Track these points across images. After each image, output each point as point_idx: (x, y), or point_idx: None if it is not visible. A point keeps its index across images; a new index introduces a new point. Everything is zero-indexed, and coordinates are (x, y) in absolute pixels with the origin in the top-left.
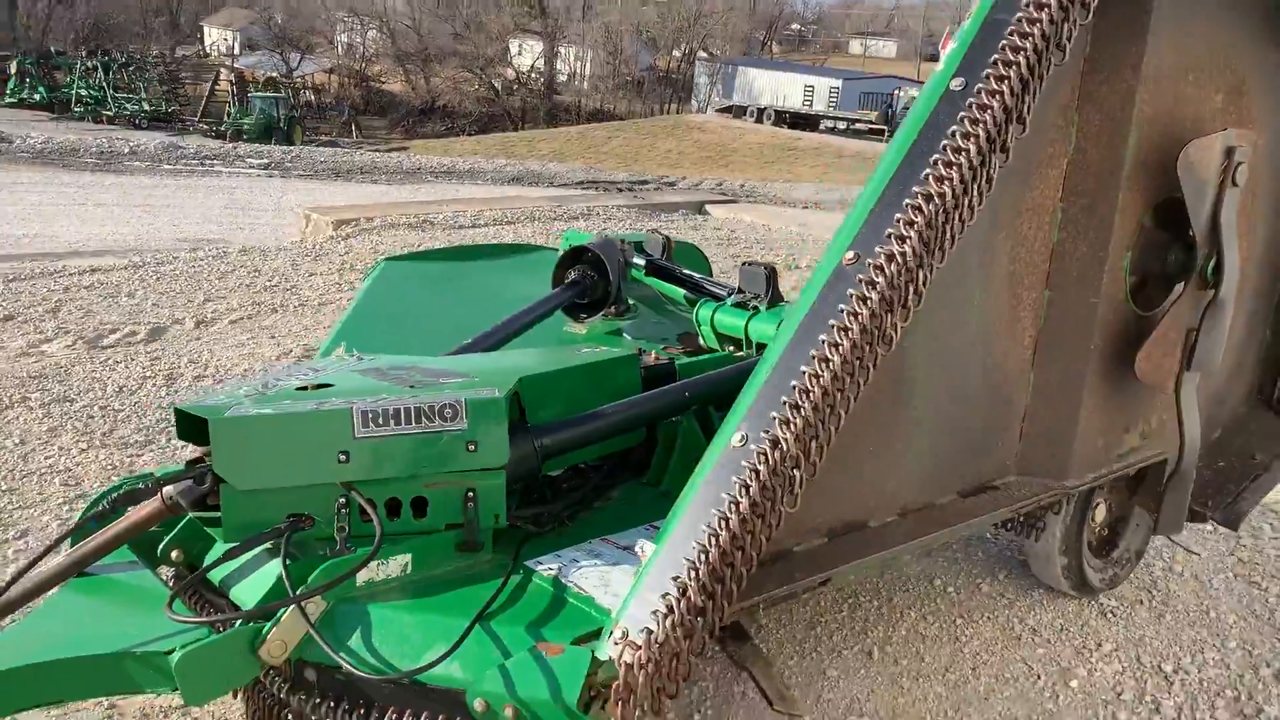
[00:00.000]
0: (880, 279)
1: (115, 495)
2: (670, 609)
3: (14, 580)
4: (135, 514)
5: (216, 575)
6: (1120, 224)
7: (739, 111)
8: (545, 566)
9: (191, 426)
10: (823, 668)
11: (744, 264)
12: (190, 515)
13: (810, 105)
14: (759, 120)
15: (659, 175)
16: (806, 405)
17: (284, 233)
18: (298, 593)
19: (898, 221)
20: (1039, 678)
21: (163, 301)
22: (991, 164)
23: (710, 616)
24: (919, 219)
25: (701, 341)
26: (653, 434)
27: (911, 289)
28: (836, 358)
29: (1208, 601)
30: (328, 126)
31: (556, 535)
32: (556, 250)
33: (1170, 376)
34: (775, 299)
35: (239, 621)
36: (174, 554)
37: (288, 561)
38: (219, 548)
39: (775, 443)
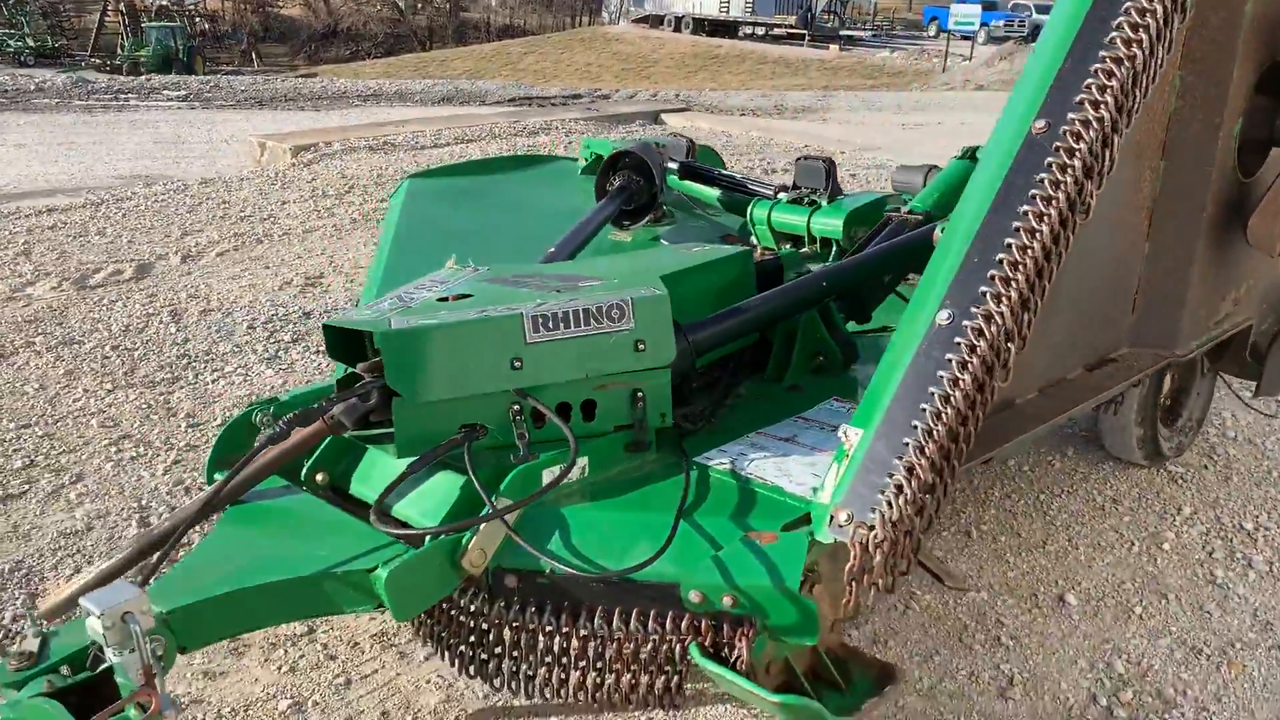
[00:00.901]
0: (1080, 145)
1: (286, 417)
2: (901, 488)
3: (194, 513)
4: (295, 438)
5: (366, 492)
6: (1234, 90)
7: (656, 21)
8: (717, 461)
9: (341, 344)
10: (928, 548)
11: (800, 159)
12: (348, 435)
13: (727, 11)
14: (677, 29)
15: (593, 89)
16: (1019, 277)
17: (222, 164)
18: (495, 500)
19: (1089, 87)
20: (1132, 544)
21: (138, 238)
22: (1174, 23)
23: (937, 493)
24: (1112, 83)
25: (754, 240)
26: (762, 333)
27: (1108, 154)
28: (1045, 228)
29: (1267, 463)
30: (228, 55)
31: (708, 432)
32: (575, 160)
33: (1278, 240)
34: (835, 192)
35: (428, 537)
36: (319, 476)
37: (473, 471)
38: (367, 466)
39: (989, 317)
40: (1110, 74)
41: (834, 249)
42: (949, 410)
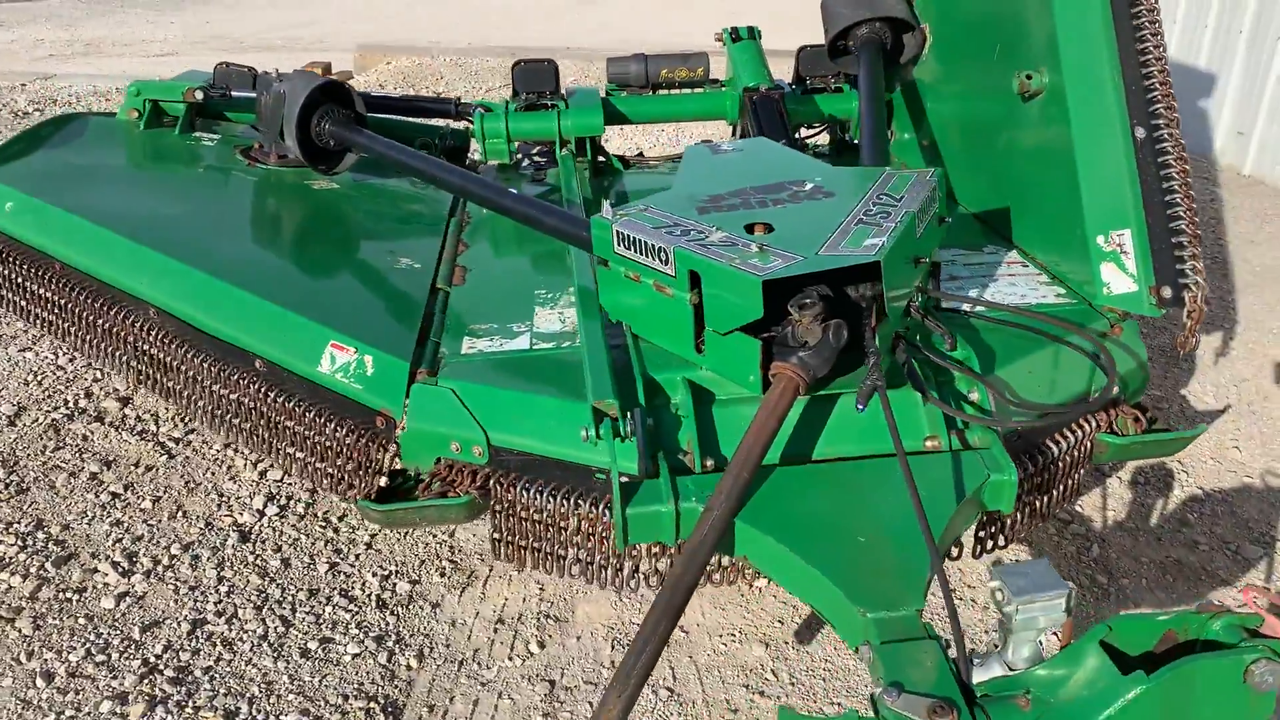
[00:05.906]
0: None
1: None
2: (1195, 253)
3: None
4: (774, 408)
5: None
6: None
7: None
8: (965, 306)
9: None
10: None
11: (518, 63)
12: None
13: None
14: None
15: None
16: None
17: None
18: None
19: None
20: None
21: None
22: None
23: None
24: None
25: (481, 154)
26: None
27: None
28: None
29: None
30: None
31: None
32: (111, 115)
33: None
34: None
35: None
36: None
37: None
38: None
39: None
40: None
41: (589, 147)
42: (1184, 195)
